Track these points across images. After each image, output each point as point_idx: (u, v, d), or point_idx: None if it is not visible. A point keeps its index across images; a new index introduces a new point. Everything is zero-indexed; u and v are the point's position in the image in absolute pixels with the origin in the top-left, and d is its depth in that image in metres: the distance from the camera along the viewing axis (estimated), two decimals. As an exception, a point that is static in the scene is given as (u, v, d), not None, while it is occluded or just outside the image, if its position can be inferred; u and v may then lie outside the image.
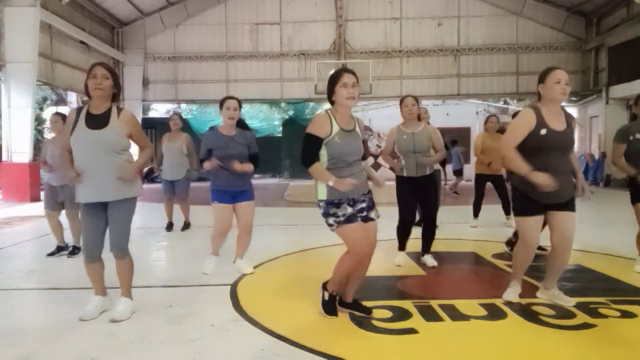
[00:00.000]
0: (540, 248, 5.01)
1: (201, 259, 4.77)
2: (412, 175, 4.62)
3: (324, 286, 3.32)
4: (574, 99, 19.01)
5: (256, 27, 18.16)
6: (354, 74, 3.10)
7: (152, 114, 24.36)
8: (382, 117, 19.47)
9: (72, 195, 5.08)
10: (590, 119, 18.61)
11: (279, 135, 24.13)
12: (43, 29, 13.10)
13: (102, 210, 3.27)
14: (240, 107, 4.32)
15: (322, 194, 3.08)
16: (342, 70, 3.12)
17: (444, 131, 14.98)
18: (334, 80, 3.08)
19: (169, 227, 7.12)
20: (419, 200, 4.75)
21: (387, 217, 4.78)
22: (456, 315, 3.31)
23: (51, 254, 5.27)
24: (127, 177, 3.22)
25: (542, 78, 3.34)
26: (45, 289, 4.15)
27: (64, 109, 16.96)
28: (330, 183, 2.98)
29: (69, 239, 5.37)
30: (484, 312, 3.35)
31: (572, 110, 20.12)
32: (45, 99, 20.71)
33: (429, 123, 6.17)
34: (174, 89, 18.40)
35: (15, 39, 11.87)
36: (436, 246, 4.93)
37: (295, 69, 18.06)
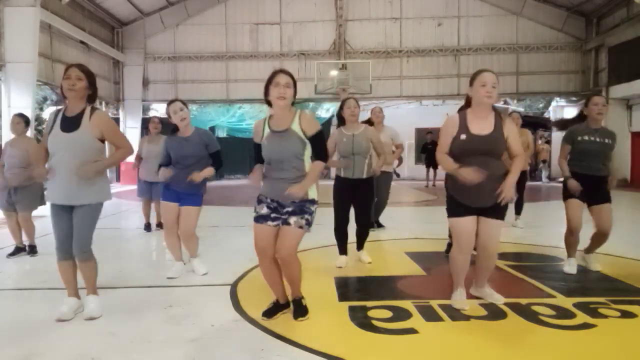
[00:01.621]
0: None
1: (201, 258, 4.77)
2: (348, 177, 4.61)
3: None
4: (574, 99, 19.04)
5: (256, 27, 18.17)
6: (289, 75, 3.13)
7: (152, 114, 24.35)
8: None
9: (26, 197, 5.18)
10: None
11: (279, 135, 24.09)
12: (43, 29, 13.11)
13: (70, 211, 3.27)
14: (187, 107, 4.32)
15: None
16: (278, 71, 3.15)
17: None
18: (268, 80, 3.13)
19: (147, 227, 7.10)
20: (353, 201, 4.69)
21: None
22: (456, 315, 3.30)
23: (12, 254, 5.31)
24: (85, 173, 3.13)
25: (471, 81, 3.33)
26: (45, 289, 4.15)
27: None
28: (251, 182, 3.20)
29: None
30: (484, 312, 3.35)
31: (572, 110, 20.15)
32: (45, 99, 20.75)
33: (383, 124, 6.25)
34: (174, 89, 18.40)
35: (15, 39, 11.87)
36: (436, 246, 4.94)
37: (295, 69, 18.03)
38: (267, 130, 3.16)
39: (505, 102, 22.97)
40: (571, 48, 17.66)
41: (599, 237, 4.43)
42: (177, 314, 3.40)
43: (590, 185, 4.25)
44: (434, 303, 3.53)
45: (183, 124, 4.24)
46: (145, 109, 21.44)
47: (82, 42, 15.46)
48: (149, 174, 6.69)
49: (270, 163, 3.15)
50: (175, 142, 4.26)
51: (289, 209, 3.11)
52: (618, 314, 3.31)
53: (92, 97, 3.29)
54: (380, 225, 6.89)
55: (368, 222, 4.84)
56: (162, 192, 4.39)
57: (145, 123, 19.15)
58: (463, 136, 3.28)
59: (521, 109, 23.92)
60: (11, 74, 11.92)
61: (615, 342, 2.89)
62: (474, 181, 3.13)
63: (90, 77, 3.25)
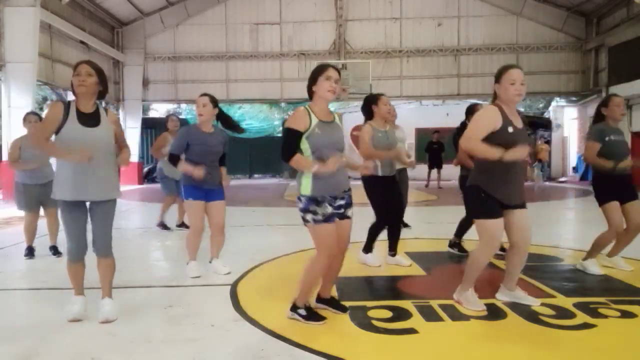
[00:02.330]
0: (463, 250, 5.03)
1: (201, 259, 4.77)
2: (387, 175, 4.57)
3: (294, 306, 3.21)
4: (574, 99, 19.04)
5: (256, 27, 18.16)
6: (339, 72, 3.12)
7: (152, 114, 24.36)
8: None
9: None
10: (590, 119, 18.55)
11: (279, 135, 24.13)
12: (43, 29, 13.10)
13: (83, 208, 3.25)
14: (215, 103, 4.29)
15: (306, 189, 3.05)
16: (329, 65, 3.13)
17: (444, 131, 15.06)
18: (318, 71, 3.09)
19: (164, 226, 7.08)
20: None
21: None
22: (456, 315, 3.30)
23: (29, 256, 5.22)
24: (124, 164, 3.30)
25: (498, 78, 3.28)
26: (45, 289, 4.15)
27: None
28: (314, 168, 2.95)
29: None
30: (484, 312, 3.35)
31: (572, 110, 20.16)
32: (45, 99, 20.76)
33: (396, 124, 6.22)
34: (174, 89, 18.40)
35: (15, 39, 11.86)
36: (436, 246, 4.94)
37: (295, 69, 18.06)
38: (315, 120, 3.07)
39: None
40: (571, 48, 17.65)
41: (629, 236, 4.39)
42: (177, 314, 3.40)
43: (621, 184, 4.24)
44: (434, 303, 3.53)
45: (202, 119, 4.25)
46: (145, 109, 21.45)
47: (82, 42, 15.45)
48: (173, 170, 6.54)
49: (322, 154, 3.02)
50: (197, 135, 4.25)
51: (342, 202, 3.13)
52: (618, 314, 3.31)
53: (102, 93, 3.27)
54: (405, 225, 6.73)
55: (402, 219, 4.82)
56: (187, 191, 4.30)
57: (146, 123, 19.26)
58: (510, 129, 3.21)
59: (521, 109, 23.91)
60: (11, 74, 11.90)
61: (615, 342, 2.89)
62: (524, 156, 3.13)
63: (100, 73, 3.23)
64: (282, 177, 22.50)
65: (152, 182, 19.46)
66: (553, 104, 20.96)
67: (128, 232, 7.48)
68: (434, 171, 15.57)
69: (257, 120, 23.51)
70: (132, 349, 2.81)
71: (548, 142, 20.60)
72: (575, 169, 18.91)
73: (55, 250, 5.32)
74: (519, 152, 3.10)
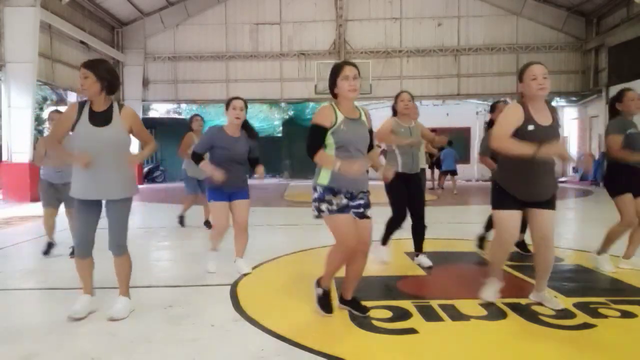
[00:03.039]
0: (526, 250, 5.03)
1: (201, 259, 4.78)
2: (407, 172, 4.63)
3: (318, 283, 3.34)
4: (574, 99, 19.05)
5: (256, 27, 18.16)
6: (355, 66, 3.13)
7: (152, 114, 24.37)
8: (382, 117, 19.40)
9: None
10: (590, 119, 18.62)
11: (279, 135, 24.16)
12: (43, 29, 13.10)
13: (97, 207, 3.27)
14: (247, 107, 4.34)
15: (324, 179, 3.08)
16: (344, 63, 3.14)
17: (444, 131, 15.03)
18: (335, 73, 3.11)
19: (182, 221, 7.26)
20: (410, 196, 4.74)
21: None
22: (456, 315, 3.30)
23: (47, 253, 5.25)
24: (133, 164, 3.29)
25: (520, 76, 3.31)
26: (45, 289, 4.15)
27: (64, 109, 16.97)
28: (337, 166, 2.96)
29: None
30: (484, 312, 3.35)
31: (572, 110, 20.17)
32: (45, 99, 20.77)
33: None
34: (174, 89, 18.41)
35: (15, 39, 11.87)
36: (436, 246, 4.94)
37: (295, 69, 18.07)
38: (341, 116, 3.09)
39: (505, 102, 22.96)
40: (571, 48, 17.66)
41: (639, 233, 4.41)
42: (177, 314, 3.40)
43: (637, 177, 4.22)
44: (434, 303, 3.53)
45: (237, 123, 4.28)
46: (146, 109, 21.45)
47: (82, 42, 15.45)
48: (196, 170, 6.48)
49: (347, 150, 3.06)
50: (224, 139, 4.27)
51: (361, 202, 3.15)
52: (618, 314, 3.31)
53: (110, 87, 3.21)
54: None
55: (424, 217, 4.80)
56: (210, 193, 4.39)
57: (146, 123, 19.22)
58: (531, 127, 3.21)
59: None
60: (11, 74, 11.91)
61: (615, 342, 2.89)
62: (559, 153, 3.11)
63: (95, 69, 3.16)
64: (282, 177, 22.51)
65: (152, 182, 19.49)
66: (553, 104, 20.92)
67: (128, 232, 7.47)
68: (435, 172, 15.50)
69: (257, 120, 23.49)
70: (132, 349, 2.81)
71: (548, 142, 20.57)
72: (575, 169, 18.91)
73: (73, 250, 5.32)
74: (554, 149, 3.08)
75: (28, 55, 11.93)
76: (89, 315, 3.30)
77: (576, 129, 19.81)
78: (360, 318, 3.24)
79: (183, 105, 24.25)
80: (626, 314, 3.30)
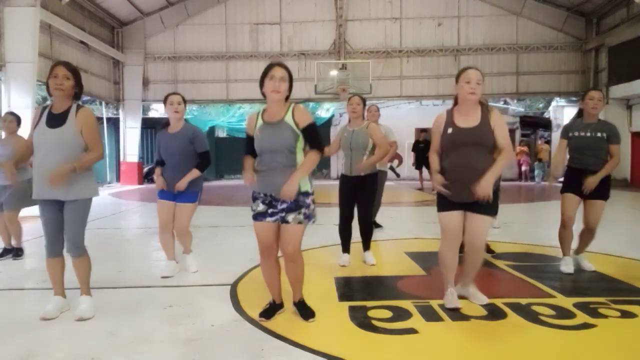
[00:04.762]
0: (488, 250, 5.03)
1: (201, 258, 4.77)
2: (347, 174, 4.70)
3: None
4: (574, 99, 19.03)
5: (256, 27, 18.16)
6: (286, 69, 3.09)
7: (152, 114, 24.34)
8: (382, 117, 19.38)
9: (13, 196, 4.96)
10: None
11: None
12: (43, 29, 13.10)
13: (56, 206, 3.25)
14: (185, 103, 4.35)
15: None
16: (276, 64, 3.11)
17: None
18: (264, 73, 3.10)
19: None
20: (355, 199, 4.73)
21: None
22: (456, 315, 3.30)
23: (0, 256, 5.17)
24: (56, 178, 3.04)
25: (456, 78, 3.35)
26: (45, 289, 4.14)
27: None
28: (246, 177, 3.15)
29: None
30: (484, 312, 3.35)
31: (572, 110, 20.14)
32: (45, 99, 20.73)
33: (379, 123, 6.23)
34: (174, 89, 18.27)
35: (15, 39, 11.86)
36: (436, 246, 4.90)
37: (295, 69, 18.03)
38: (260, 122, 3.14)
39: (505, 102, 22.97)
40: (571, 48, 17.66)
41: (585, 235, 4.46)
42: (177, 314, 3.40)
43: (583, 179, 4.25)
44: (434, 303, 3.53)
45: (175, 117, 4.26)
46: (145, 109, 21.44)
47: (82, 42, 15.45)
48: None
49: (262, 155, 3.12)
50: (163, 138, 4.31)
51: (284, 206, 3.09)
52: (618, 314, 3.31)
53: (78, 94, 3.30)
54: (377, 225, 6.87)
55: (368, 221, 4.83)
56: (158, 191, 4.40)
57: (146, 123, 19.22)
58: (450, 129, 3.34)
59: (521, 109, 23.93)
60: (11, 74, 11.90)
61: (615, 342, 2.89)
62: (438, 188, 3.34)
63: (77, 75, 3.26)
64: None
65: (152, 182, 19.44)
66: (553, 104, 20.96)
67: (128, 232, 7.48)
68: (424, 172, 15.23)
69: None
70: (132, 349, 2.81)
71: (548, 142, 20.61)
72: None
73: (17, 252, 5.26)
74: (435, 183, 3.37)
75: (28, 55, 11.92)
76: (61, 314, 3.32)
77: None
78: (361, 318, 3.24)
79: (183, 105, 24.21)
80: (626, 314, 3.30)
